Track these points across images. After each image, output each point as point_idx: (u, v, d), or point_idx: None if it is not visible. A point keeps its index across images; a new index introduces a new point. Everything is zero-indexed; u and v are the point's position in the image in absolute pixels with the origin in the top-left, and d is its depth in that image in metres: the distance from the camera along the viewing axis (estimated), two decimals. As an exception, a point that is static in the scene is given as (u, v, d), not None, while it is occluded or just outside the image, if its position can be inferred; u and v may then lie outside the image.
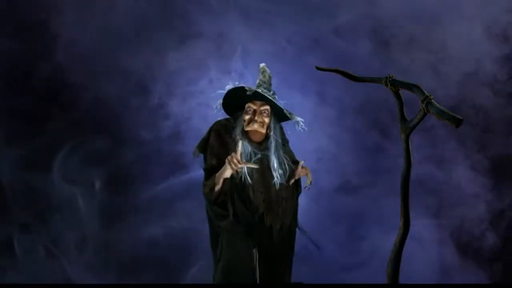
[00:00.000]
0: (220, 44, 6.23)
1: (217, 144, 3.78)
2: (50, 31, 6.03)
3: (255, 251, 3.68)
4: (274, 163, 3.78)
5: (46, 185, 5.87)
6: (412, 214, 5.70)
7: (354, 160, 6.16)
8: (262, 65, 3.98)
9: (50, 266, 5.76)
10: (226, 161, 3.61)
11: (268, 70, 3.94)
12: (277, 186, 3.78)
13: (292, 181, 3.88)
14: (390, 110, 5.61)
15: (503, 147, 6.19)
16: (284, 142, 3.99)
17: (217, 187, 3.67)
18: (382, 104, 5.89)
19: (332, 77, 5.96)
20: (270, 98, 3.78)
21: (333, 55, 6.13)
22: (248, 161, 3.72)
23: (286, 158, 3.87)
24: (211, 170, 3.74)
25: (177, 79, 6.19)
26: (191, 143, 5.90)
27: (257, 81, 3.90)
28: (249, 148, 3.75)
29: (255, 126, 3.78)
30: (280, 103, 3.86)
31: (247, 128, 3.79)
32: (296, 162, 3.94)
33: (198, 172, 5.89)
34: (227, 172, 3.66)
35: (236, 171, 3.63)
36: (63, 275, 5.72)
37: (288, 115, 3.86)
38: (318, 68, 3.71)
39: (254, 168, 3.72)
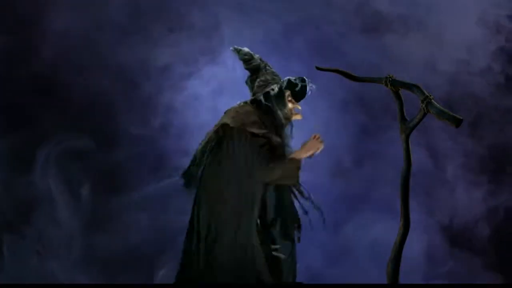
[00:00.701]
0: (211, 37, 6.18)
1: (270, 124, 3.81)
2: (41, 24, 5.93)
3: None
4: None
5: (33, 183, 5.76)
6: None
7: (343, 144, 6.14)
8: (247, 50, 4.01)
9: (37, 265, 5.69)
10: (314, 144, 3.72)
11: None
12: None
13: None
14: (379, 94, 5.65)
15: (496, 138, 6.20)
16: None
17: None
18: (373, 89, 5.90)
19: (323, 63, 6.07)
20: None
21: (324, 42, 6.12)
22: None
23: None
24: (279, 150, 3.76)
25: (168, 73, 6.11)
26: (183, 138, 5.91)
27: (270, 68, 3.95)
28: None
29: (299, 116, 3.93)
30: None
31: (295, 118, 3.91)
32: None
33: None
34: (305, 154, 3.76)
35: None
36: (51, 274, 5.64)
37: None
38: (318, 68, 3.72)
39: None
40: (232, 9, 6.15)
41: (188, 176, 3.82)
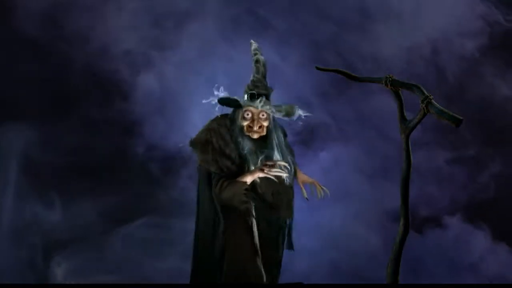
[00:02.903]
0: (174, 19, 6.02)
1: (223, 144, 3.78)
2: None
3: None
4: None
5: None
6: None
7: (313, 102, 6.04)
8: (254, 47, 3.92)
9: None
10: (258, 169, 3.67)
11: (262, 59, 3.87)
12: (287, 182, 3.83)
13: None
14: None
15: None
16: (284, 134, 4.02)
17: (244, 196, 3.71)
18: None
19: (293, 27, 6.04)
20: (270, 111, 3.79)
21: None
22: (252, 159, 3.76)
23: (288, 154, 3.92)
24: (228, 173, 3.73)
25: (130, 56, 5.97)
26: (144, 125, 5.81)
27: (251, 77, 3.84)
28: (250, 146, 3.77)
29: (255, 136, 3.80)
30: (280, 105, 3.85)
31: (247, 134, 3.80)
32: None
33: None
34: (255, 176, 3.70)
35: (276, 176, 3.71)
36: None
37: (290, 117, 3.85)
38: (318, 68, 3.73)
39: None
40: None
41: None
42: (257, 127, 3.77)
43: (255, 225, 3.75)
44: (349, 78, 3.69)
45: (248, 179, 3.69)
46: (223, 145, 3.75)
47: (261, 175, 3.68)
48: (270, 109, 3.77)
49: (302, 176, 4.04)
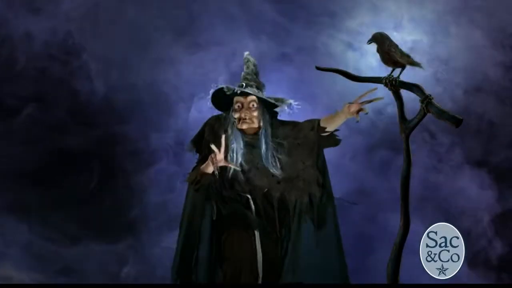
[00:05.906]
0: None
1: (212, 138, 3.83)
2: None
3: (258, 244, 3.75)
4: (264, 155, 3.83)
5: None
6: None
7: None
8: (245, 54, 4.00)
9: None
10: (209, 158, 3.70)
11: (251, 59, 3.96)
12: (277, 174, 3.83)
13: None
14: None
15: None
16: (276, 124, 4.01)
17: (196, 181, 3.76)
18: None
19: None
20: (255, 94, 3.82)
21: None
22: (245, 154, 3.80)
23: (275, 148, 3.88)
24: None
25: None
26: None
27: (242, 73, 3.93)
28: (241, 143, 3.81)
29: (244, 126, 3.83)
30: (268, 96, 3.90)
31: (239, 127, 3.84)
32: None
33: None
34: (209, 169, 3.73)
35: (218, 168, 3.71)
36: None
37: (278, 103, 3.89)
38: (318, 68, 3.74)
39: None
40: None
41: None
42: (248, 118, 3.80)
43: (254, 225, 3.76)
44: (349, 78, 3.71)
45: (208, 169, 3.71)
46: (212, 140, 3.80)
47: (209, 168, 3.71)
48: (258, 93, 3.82)
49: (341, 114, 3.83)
